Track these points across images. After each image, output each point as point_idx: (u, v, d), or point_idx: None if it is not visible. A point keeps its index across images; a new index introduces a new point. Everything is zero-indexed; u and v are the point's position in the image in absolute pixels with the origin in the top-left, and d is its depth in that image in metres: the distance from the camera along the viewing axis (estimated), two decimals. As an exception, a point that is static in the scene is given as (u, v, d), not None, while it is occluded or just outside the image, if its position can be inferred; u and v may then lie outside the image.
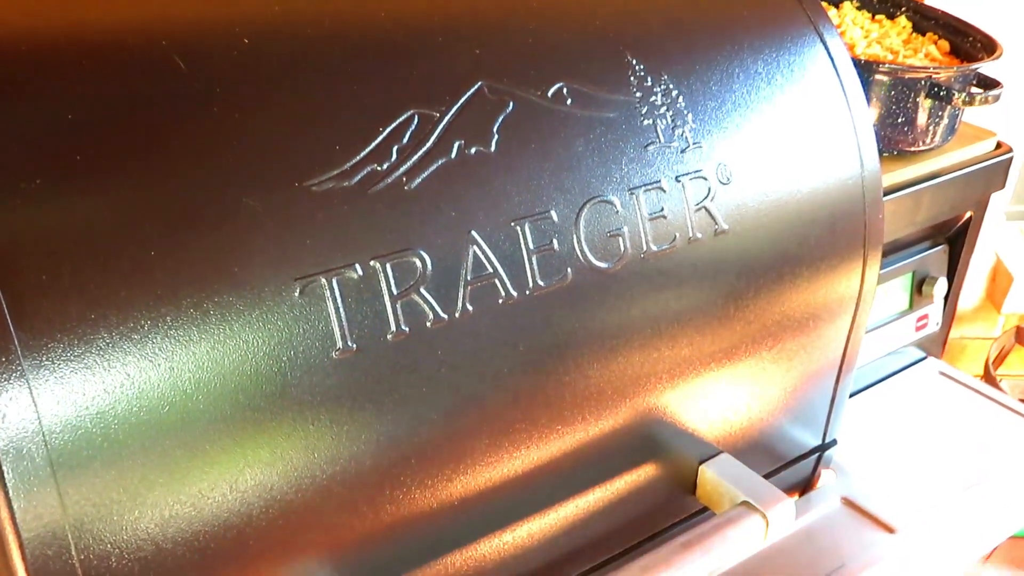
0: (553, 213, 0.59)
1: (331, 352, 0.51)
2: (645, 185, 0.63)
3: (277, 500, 0.51)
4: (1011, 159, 1.06)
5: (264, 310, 0.49)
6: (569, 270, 0.60)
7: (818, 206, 0.72)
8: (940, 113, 0.97)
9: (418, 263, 0.54)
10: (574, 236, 0.60)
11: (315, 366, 0.51)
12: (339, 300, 0.51)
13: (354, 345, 0.52)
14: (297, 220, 0.50)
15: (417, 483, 0.57)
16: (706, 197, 0.66)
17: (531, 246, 0.58)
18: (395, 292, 0.53)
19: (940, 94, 0.95)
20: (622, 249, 0.62)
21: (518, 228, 0.58)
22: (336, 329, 0.51)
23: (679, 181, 0.64)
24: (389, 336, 0.53)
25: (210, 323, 0.48)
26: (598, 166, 0.61)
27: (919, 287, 1.07)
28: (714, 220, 0.66)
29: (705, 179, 0.66)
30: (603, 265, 0.61)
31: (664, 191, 0.64)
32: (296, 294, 0.50)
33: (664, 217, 0.64)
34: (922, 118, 0.96)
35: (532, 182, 0.58)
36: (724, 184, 0.66)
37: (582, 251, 0.60)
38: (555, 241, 0.59)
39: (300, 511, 0.52)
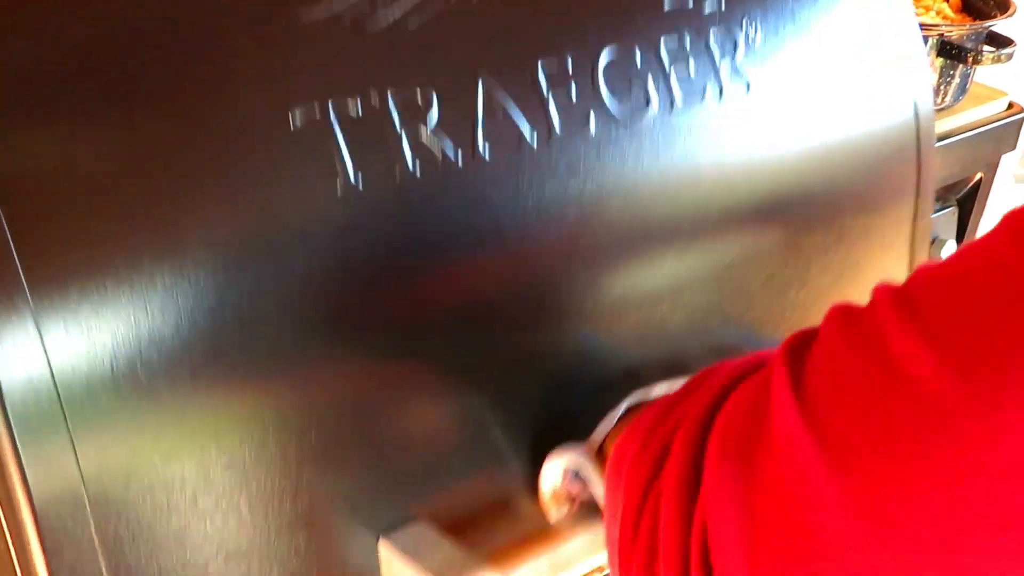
0: (571, 57, 0.55)
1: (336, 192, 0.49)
2: (674, 35, 0.59)
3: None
4: (1023, 120, 1.05)
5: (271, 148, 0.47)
6: (592, 115, 0.55)
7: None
8: (951, 72, 0.96)
9: (429, 99, 0.51)
10: (593, 83, 0.56)
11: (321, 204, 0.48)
12: (345, 136, 0.48)
13: (360, 185, 0.49)
14: (293, 55, 0.48)
15: (427, 327, 0.54)
16: (735, 54, 0.61)
17: (550, 92, 0.54)
18: (405, 130, 0.50)
19: (952, 52, 0.93)
20: (646, 101, 0.58)
21: (536, 70, 0.54)
22: (342, 167, 0.49)
23: (710, 34, 0.60)
24: (399, 174, 0.50)
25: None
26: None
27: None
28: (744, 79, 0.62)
29: (735, 41, 0.61)
30: (625, 116, 0.57)
31: (694, 44, 0.59)
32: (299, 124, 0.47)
33: (692, 73, 0.59)
34: (933, 77, 0.95)
35: (549, 22, 0.55)
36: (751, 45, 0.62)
37: (603, 100, 0.56)
38: (574, 87, 0.55)
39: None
